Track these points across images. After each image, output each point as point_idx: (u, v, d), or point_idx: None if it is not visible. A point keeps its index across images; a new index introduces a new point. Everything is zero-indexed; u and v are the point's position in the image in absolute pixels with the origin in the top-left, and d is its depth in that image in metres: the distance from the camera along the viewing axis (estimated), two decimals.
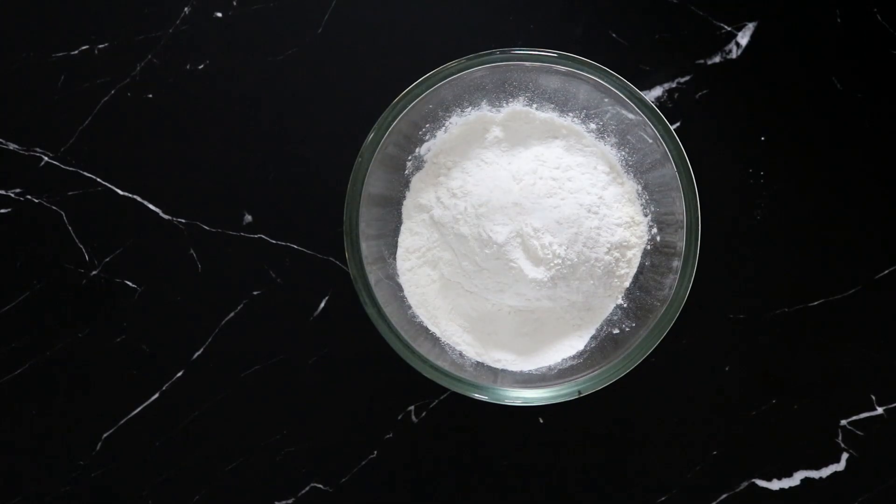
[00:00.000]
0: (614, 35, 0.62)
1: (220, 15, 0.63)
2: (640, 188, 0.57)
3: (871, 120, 0.61)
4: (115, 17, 0.63)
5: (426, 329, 0.56)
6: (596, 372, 0.51)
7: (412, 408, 0.61)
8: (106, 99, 0.63)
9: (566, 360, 0.56)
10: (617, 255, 0.56)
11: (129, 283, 0.62)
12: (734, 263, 0.61)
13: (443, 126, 0.57)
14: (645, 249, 0.56)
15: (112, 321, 0.62)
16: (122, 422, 0.62)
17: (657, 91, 0.61)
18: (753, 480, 0.61)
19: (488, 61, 0.52)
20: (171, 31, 0.63)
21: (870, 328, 0.61)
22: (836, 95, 0.61)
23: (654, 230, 0.56)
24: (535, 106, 0.57)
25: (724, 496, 0.61)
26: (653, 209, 0.56)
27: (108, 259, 0.62)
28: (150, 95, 0.63)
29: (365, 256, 0.53)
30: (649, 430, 0.61)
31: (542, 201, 0.55)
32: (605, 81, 0.52)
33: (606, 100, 0.54)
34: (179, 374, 0.62)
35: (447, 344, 0.56)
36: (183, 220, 0.62)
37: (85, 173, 0.63)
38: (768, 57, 0.61)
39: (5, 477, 0.62)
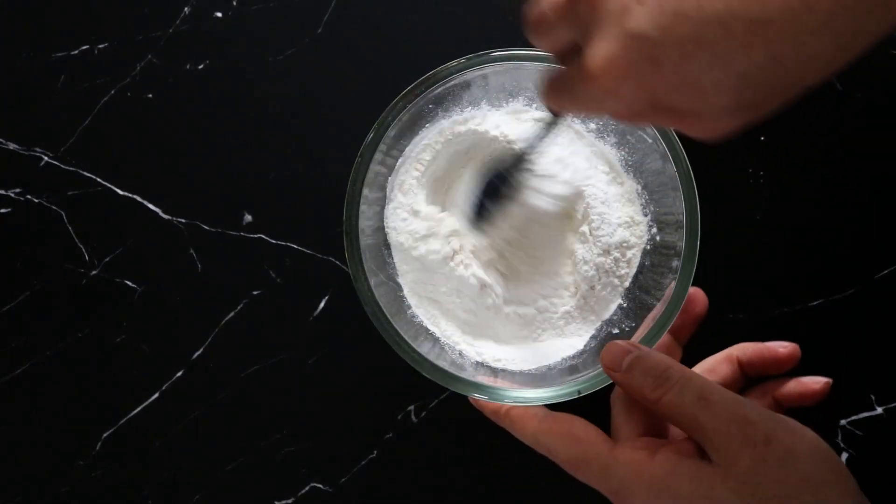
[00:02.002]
0: None
1: (220, 15, 0.63)
2: (639, 188, 0.57)
3: (871, 120, 0.61)
4: (115, 17, 0.63)
5: (426, 329, 0.56)
6: (596, 372, 0.51)
7: (412, 408, 0.61)
8: (106, 99, 0.63)
9: (566, 359, 0.55)
10: (617, 255, 0.56)
11: (129, 283, 0.62)
12: (734, 263, 0.61)
13: None
14: (645, 249, 0.56)
15: (112, 321, 0.62)
16: (122, 422, 0.62)
17: None
18: None
19: (488, 61, 0.52)
20: (171, 31, 0.63)
21: (870, 328, 0.60)
22: (836, 95, 0.61)
23: (654, 230, 0.56)
24: (535, 106, 0.57)
25: None
26: (653, 209, 0.56)
27: (108, 259, 0.62)
28: (150, 95, 0.63)
29: (365, 257, 0.53)
30: None
31: None
32: None
33: None
34: (179, 373, 0.62)
35: (447, 344, 0.56)
36: (183, 220, 0.62)
37: (85, 173, 0.63)
38: None
39: (5, 477, 0.62)
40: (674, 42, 0.31)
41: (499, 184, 0.51)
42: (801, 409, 0.60)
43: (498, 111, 0.57)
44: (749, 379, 0.55)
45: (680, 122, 0.35)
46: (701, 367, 0.55)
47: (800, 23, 0.30)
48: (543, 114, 0.56)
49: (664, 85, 0.33)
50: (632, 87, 0.33)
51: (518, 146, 0.50)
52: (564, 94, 0.38)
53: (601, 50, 0.33)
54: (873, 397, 0.60)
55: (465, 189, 0.53)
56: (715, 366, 0.54)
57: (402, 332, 0.52)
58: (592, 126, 0.57)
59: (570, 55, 0.37)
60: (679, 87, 0.33)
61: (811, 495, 0.42)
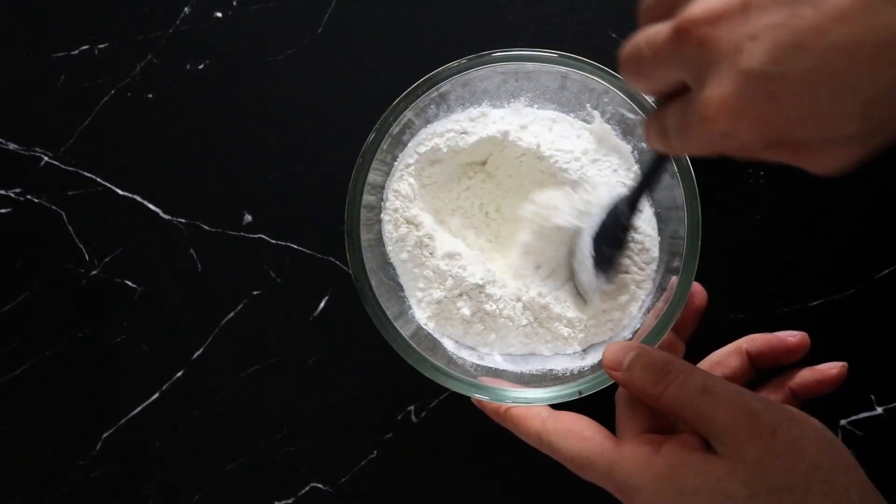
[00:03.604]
0: (614, 35, 0.62)
1: (220, 15, 0.63)
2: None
3: None
4: (115, 17, 0.63)
5: (427, 329, 0.56)
6: (597, 372, 0.51)
7: (412, 408, 0.61)
8: (106, 99, 0.63)
9: (568, 360, 0.55)
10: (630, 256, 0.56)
11: (129, 283, 0.62)
12: (734, 263, 0.61)
13: None
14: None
15: (112, 321, 0.62)
16: (121, 422, 0.62)
17: None
18: None
19: (489, 61, 0.52)
20: (171, 31, 0.63)
21: (870, 328, 0.61)
22: None
23: (655, 230, 0.56)
24: (535, 106, 0.57)
25: None
26: (653, 209, 0.56)
27: (108, 259, 0.62)
28: (150, 95, 0.63)
29: (366, 257, 0.53)
30: None
31: None
32: (606, 82, 0.52)
33: (606, 99, 0.54)
34: (179, 374, 0.62)
35: (448, 344, 0.56)
36: (183, 220, 0.62)
37: (85, 173, 0.63)
38: None
39: (5, 477, 0.62)
40: (793, 76, 0.30)
41: (613, 231, 0.52)
42: (803, 410, 0.60)
43: (499, 111, 0.57)
44: (759, 371, 0.55)
45: (799, 157, 0.34)
46: (709, 361, 0.55)
47: None
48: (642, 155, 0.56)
49: (785, 120, 0.31)
50: (749, 126, 0.32)
51: (627, 194, 0.50)
52: (673, 137, 0.37)
53: (716, 92, 0.32)
54: (873, 397, 0.60)
55: (583, 250, 0.53)
56: (723, 359, 0.54)
57: (402, 333, 0.52)
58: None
59: (672, 96, 0.36)
60: (801, 121, 0.31)
61: (819, 484, 0.42)
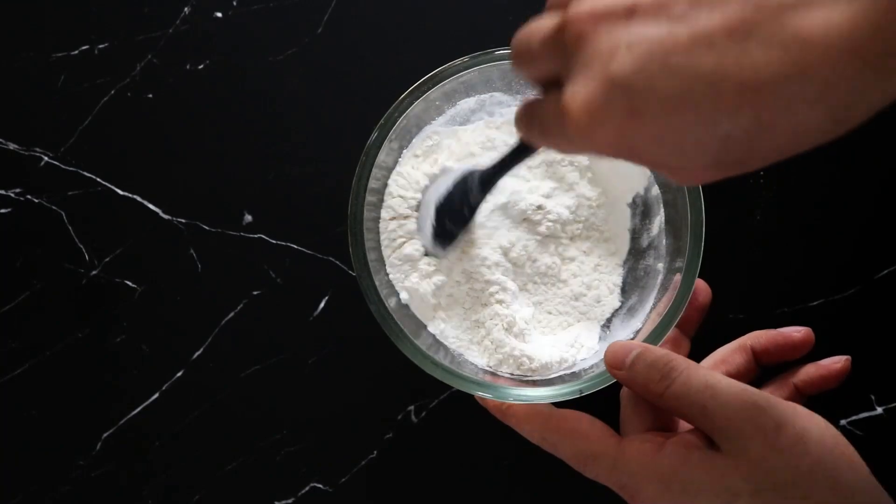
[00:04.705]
0: None
1: (220, 15, 0.63)
2: (641, 192, 0.57)
3: (871, 120, 0.61)
4: (115, 17, 0.63)
5: (427, 327, 0.56)
6: (598, 371, 0.51)
7: (412, 408, 0.61)
8: (106, 99, 0.63)
9: (568, 358, 0.55)
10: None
11: (129, 283, 0.62)
12: (734, 263, 0.61)
13: None
14: (647, 249, 0.56)
15: (112, 321, 0.62)
16: (122, 422, 0.62)
17: None
18: None
19: (493, 59, 0.52)
20: (171, 31, 0.63)
21: (870, 328, 0.61)
22: None
23: (657, 231, 0.56)
24: None
25: None
26: (663, 211, 0.56)
27: (108, 259, 0.62)
28: (150, 95, 0.63)
29: (369, 254, 0.53)
30: None
31: None
32: None
33: None
34: (179, 374, 0.62)
35: (449, 341, 0.56)
36: (183, 220, 0.62)
37: (85, 173, 0.62)
38: None
39: (5, 477, 0.62)
40: (657, 95, 0.29)
41: (460, 207, 0.50)
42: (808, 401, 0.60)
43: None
44: (763, 368, 0.55)
45: (656, 168, 0.33)
46: (713, 358, 0.54)
47: (793, 91, 0.28)
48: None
49: (641, 136, 0.31)
50: (607, 133, 0.31)
51: (483, 170, 0.48)
52: (536, 126, 0.36)
53: (581, 90, 0.31)
54: (873, 397, 0.60)
55: (424, 212, 0.52)
56: (728, 356, 0.54)
57: (405, 329, 0.52)
58: None
59: (552, 87, 0.35)
60: (657, 141, 0.31)
61: (823, 479, 0.42)
